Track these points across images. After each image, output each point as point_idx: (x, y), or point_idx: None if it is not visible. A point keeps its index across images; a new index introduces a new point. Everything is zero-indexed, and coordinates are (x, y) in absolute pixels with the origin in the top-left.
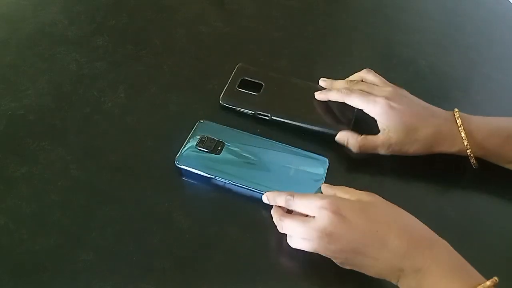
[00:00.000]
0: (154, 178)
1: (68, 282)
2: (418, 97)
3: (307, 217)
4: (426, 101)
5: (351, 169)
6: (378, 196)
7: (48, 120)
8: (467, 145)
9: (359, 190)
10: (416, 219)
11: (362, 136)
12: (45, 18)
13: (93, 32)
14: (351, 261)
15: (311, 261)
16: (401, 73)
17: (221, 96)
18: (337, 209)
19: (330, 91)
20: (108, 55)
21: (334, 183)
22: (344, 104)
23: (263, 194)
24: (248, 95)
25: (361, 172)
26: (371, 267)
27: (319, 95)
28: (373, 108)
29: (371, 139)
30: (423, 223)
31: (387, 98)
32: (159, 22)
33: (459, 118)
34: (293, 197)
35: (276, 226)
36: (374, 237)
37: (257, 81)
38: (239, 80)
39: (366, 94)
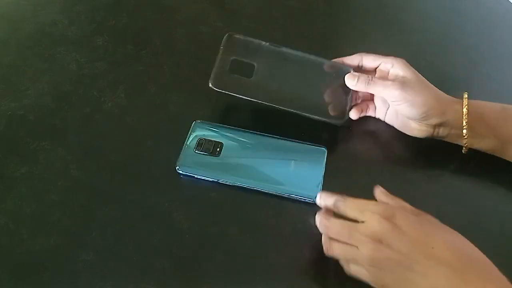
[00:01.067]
0: (154, 178)
1: (68, 282)
2: None
3: (355, 222)
4: None
5: (350, 169)
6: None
7: (48, 120)
8: (465, 107)
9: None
10: (476, 248)
11: (374, 77)
12: (45, 18)
13: (93, 32)
14: (393, 274)
15: (311, 261)
16: None
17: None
18: (390, 216)
19: (347, 57)
20: (108, 55)
21: (332, 183)
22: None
23: (267, 192)
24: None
25: (360, 172)
26: (415, 285)
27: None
28: (393, 58)
29: (384, 79)
30: None
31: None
32: (159, 22)
33: (466, 99)
34: (345, 199)
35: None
36: (428, 252)
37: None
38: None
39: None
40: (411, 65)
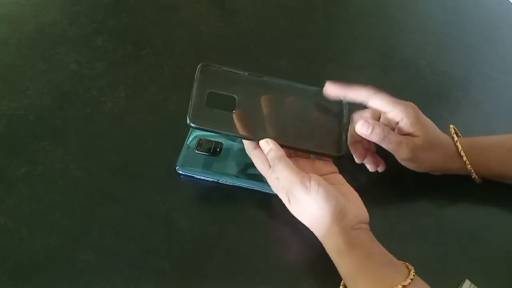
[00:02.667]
0: (154, 178)
1: (68, 282)
2: (418, 97)
3: None
4: (426, 101)
5: (350, 170)
6: None
7: (48, 120)
8: (467, 163)
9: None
10: None
11: (388, 128)
12: (45, 18)
13: (93, 32)
14: None
15: (311, 261)
16: (401, 73)
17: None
18: None
19: (350, 87)
20: (108, 55)
21: None
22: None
23: (266, 192)
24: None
25: (360, 173)
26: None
27: (332, 89)
28: (404, 107)
29: (397, 135)
30: (423, 224)
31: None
32: (159, 22)
33: (455, 135)
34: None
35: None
36: None
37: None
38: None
39: (393, 98)
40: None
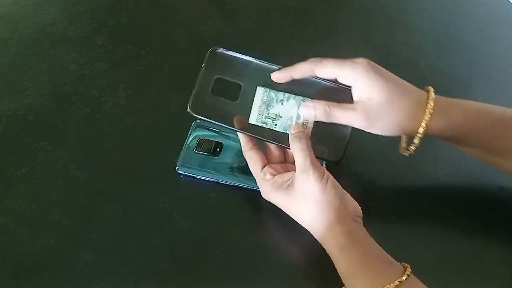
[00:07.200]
0: (154, 178)
1: (68, 282)
2: None
3: None
4: None
5: (348, 169)
6: None
7: (48, 120)
8: (428, 117)
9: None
10: None
11: (333, 103)
12: (45, 18)
13: (93, 32)
14: None
15: (311, 261)
16: (401, 73)
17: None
18: None
19: (294, 66)
20: (108, 55)
21: None
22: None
23: None
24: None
25: (359, 173)
26: None
27: (277, 75)
28: (352, 70)
29: (346, 106)
30: (422, 223)
31: (367, 60)
32: (159, 22)
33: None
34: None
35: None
36: None
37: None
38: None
39: (340, 59)
40: (384, 65)
